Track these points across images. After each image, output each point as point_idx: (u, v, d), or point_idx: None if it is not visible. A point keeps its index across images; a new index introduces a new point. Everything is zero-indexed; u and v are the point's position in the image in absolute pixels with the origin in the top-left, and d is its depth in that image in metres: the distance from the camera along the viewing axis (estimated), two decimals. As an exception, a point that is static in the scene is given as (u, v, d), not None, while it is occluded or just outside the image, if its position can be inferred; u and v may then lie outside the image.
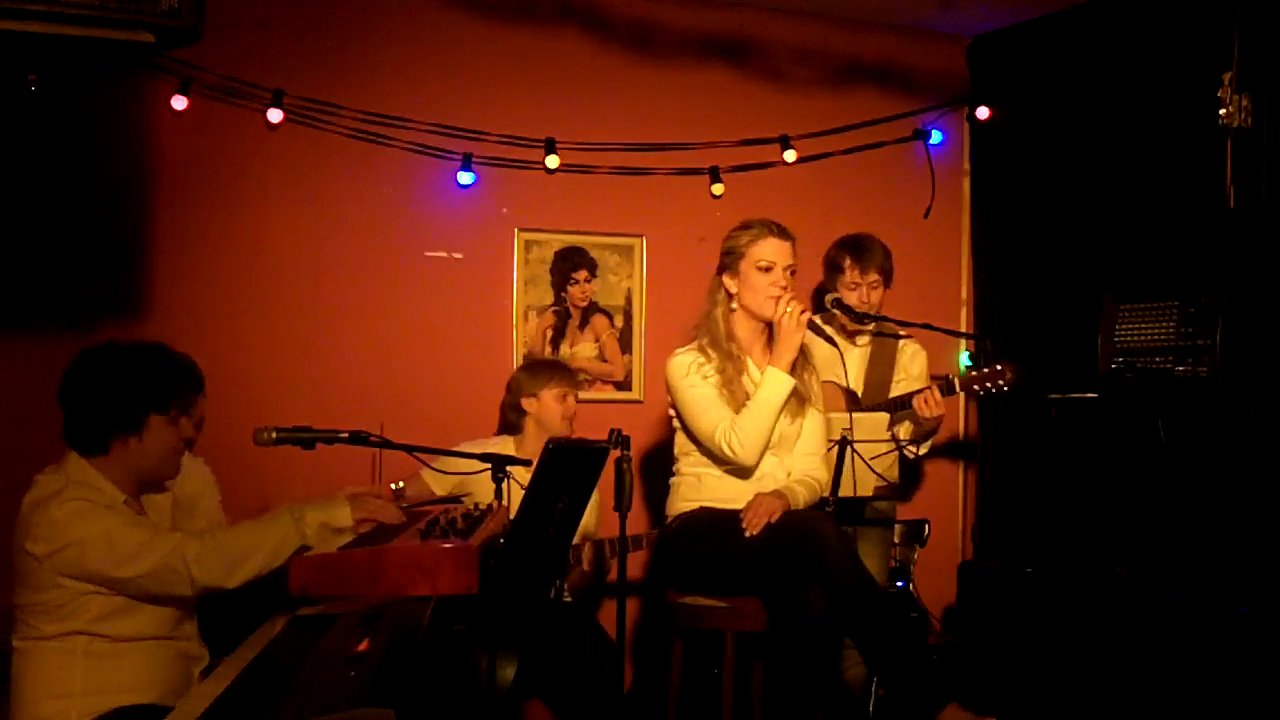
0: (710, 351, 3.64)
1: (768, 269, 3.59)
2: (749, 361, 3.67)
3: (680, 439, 3.73)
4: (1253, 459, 3.67)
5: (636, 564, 4.68)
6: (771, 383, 3.54)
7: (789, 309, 3.55)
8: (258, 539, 2.72)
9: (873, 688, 4.00)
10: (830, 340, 3.77)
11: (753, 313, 3.65)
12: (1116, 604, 3.68)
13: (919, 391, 4.00)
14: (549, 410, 4.15)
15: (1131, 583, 3.72)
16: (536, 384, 4.17)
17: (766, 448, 3.58)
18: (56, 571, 2.64)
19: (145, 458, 2.80)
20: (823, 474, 3.69)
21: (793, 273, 3.63)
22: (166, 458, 2.87)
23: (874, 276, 4.19)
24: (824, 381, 3.98)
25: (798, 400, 3.63)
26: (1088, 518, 4.18)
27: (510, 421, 4.29)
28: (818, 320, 4.01)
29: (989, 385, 4.01)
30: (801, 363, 3.65)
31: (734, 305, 3.67)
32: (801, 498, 3.57)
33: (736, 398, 3.58)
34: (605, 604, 4.47)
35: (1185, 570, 3.66)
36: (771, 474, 3.63)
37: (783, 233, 3.63)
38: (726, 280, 3.66)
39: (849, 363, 4.23)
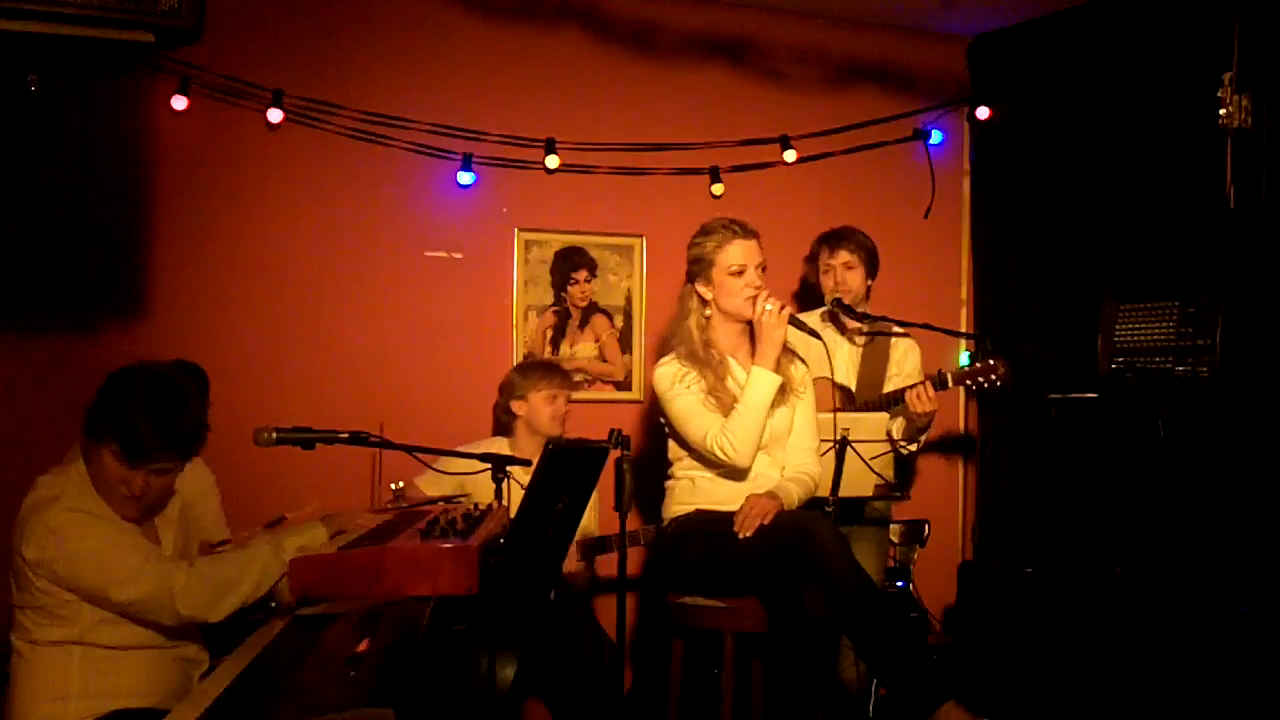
0: (689, 360, 3.63)
1: (740, 272, 3.58)
2: (732, 364, 3.66)
3: (673, 445, 3.73)
4: (1253, 459, 3.67)
5: (634, 561, 4.67)
6: (758, 382, 3.53)
7: (769, 306, 3.55)
8: (240, 571, 2.71)
9: (872, 688, 4.00)
10: (814, 334, 3.76)
11: (732, 316, 3.64)
12: (1116, 604, 3.68)
13: (912, 386, 4.00)
14: (538, 412, 4.14)
15: (1131, 583, 3.72)
16: (525, 386, 4.16)
17: (759, 447, 3.58)
18: (45, 579, 2.63)
19: (97, 471, 2.74)
20: (815, 468, 3.69)
21: (763, 269, 3.62)
22: (109, 486, 2.73)
23: (846, 256, 4.19)
24: (817, 379, 3.98)
25: (781, 391, 3.62)
26: (1087, 518, 4.18)
27: (502, 423, 4.30)
28: (800, 316, 4.00)
29: (981, 380, 4.02)
30: (784, 354, 3.65)
31: (708, 312, 3.66)
32: (795, 495, 3.56)
33: (723, 403, 3.57)
34: (605, 604, 4.47)
35: (1185, 570, 3.66)
36: (765, 473, 3.62)
37: (747, 232, 3.62)
38: (700, 288, 3.65)
39: (844, 360, 4.23)
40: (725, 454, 3.53)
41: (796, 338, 3.78)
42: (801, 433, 3.69)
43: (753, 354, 3.64)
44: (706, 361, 3.61)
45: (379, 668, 2.24)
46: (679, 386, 3.60)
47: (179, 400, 2.75)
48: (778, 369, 3.56)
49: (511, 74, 4.66)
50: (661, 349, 3.80)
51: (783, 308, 3.55)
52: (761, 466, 3.62)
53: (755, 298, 3.57)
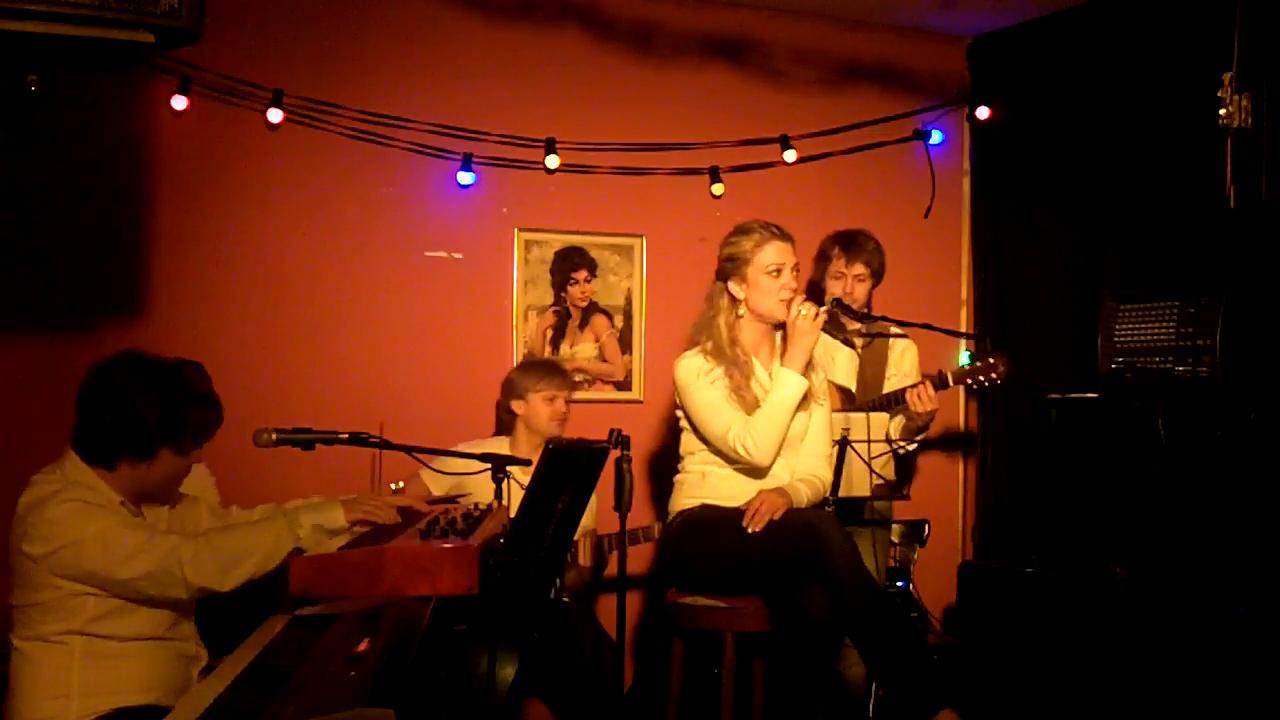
0: (715, 356, 3.63)
1: (777, 272, 3.59)
2: (756, 365, 3.67)
3: (687, 439, 3.73)
4: (1253, 459, 3.67)
5: (638, 560, 4.66)
6: (786, 384, 3.55)
7: (804, 311, 3.56)
8: (252, 542, 2.71)
9: (872, 688, 4.00)
10: (848, 343, 3.79)
11: (764, 317, 3.65)
12: (1116, 604, 3.68)
13: (912, 386, 4.00)
14: (537, 413, 4.14)
15: (1131, 583, 3.72)
16: (525, 386, 4.16)
17: (781, 448, 3.58)
18: (52, 572, 2.63)
19: (148, 483, 2.78)
20: (826, 473, 3.69)
21: (797, 270, 3.65)
22: (168, 486, 2.86)
23: (860, 269, 4.20)
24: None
25: (803, 397, 3.63)
26: (1088, 518, 4.18)
27: (504, 422, 4.30)
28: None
29: (982, 379, 4.02)
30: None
31: (741, 311, 3.66)
32: (804, 496, 3.57)
33: (746, 402, 3.58)
34: (605, 603, 4.47)
35: (1185, 570, 3.65)
36: (776, 473, 3.63)
37: (784, 235, 3.64)
38: (733, 286, 3.65)
39: (844, 362, 4.24)
40: (747, 451, 3.53)
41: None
42: (815, 437, 3.71)
43: (776, 355, 3.67)
44: (734, 360, 3.62)
45: (379, 668, 2.25)
46: (703, 380, 3.60)
47: (184, 370, 2.84)
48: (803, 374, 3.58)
49: (511, 74, 4.66)
50: (687, 344, 3.80)
51: (818, 314, 3.57)
52: (774, 467, 3.62)
53: (790, 300, 3.58)
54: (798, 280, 3.64)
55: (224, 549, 2.69)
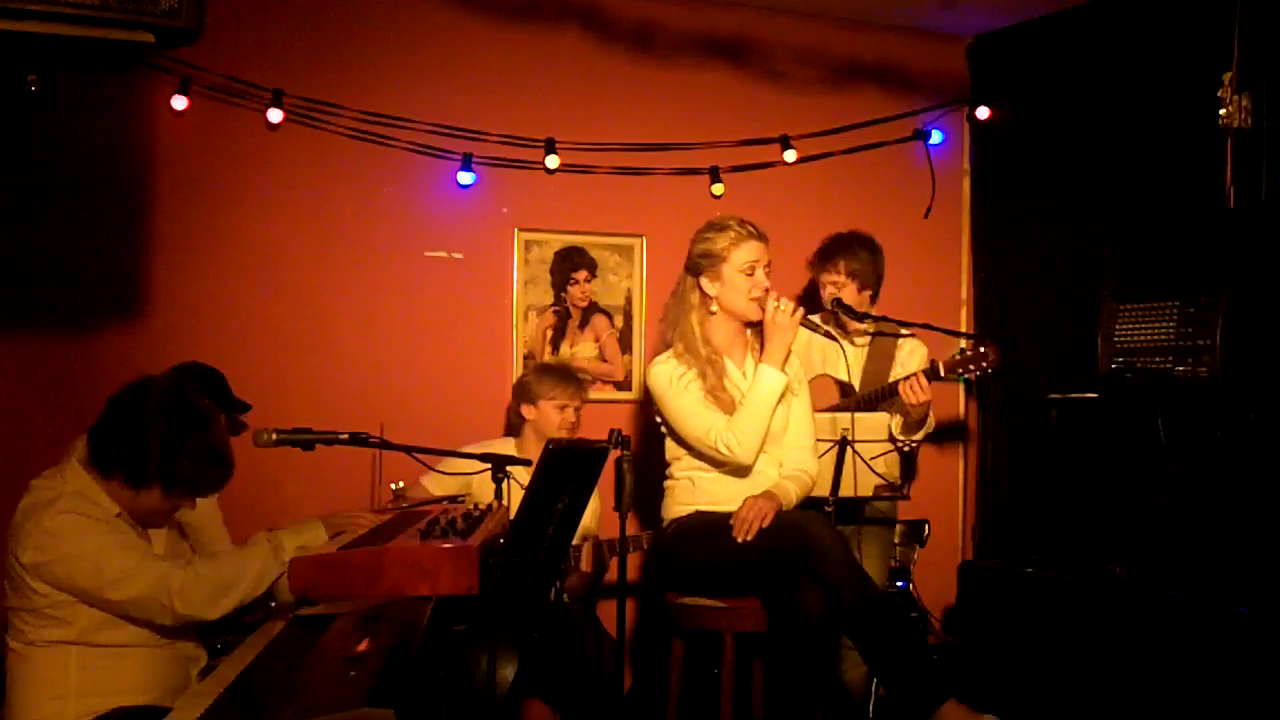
0: (687, 358, 3.62)
1: (751, 271, 3.58)
2: (729, 364, 3.66)
3: (671, 445, 3.72)
4: (1253, 459, 3.67)
5: (637, 564, 4.67)
6: (765, 380, 3.53)
7: (782, 307, 3.54)
8: (239, 570, 2.72)
9: (872, 688, 4.00)
10: (829, 335, 3.77)
11: (738, 315, 3.63)
12: (1116, 604, 3.68)
13: (905, 378, 3.98)
14: (547, 420, 4.13)
15: (1131, 583, 3.72)
16: (539, 392, 4.14)
17: (763, 445, 3.57)
18: (42, 581, 2.63)
19: (136, 506, 2.76)
20: (812, 466, 3.68)
21: (769, 269, 3.62)
22: (150, 517, 2.82)
23: (835, 276, 4.17)
24: (820, 376, 3.97)
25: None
26: (1088, 518, 4.18)
27: (513, 424, 4.30)
28: (813, 318, 4.01)
29: (973, 367, 4.00)
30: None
31: (714, 308, 3.65)
32: (793, 493, 3.56)
33: (723, 403, 3.56)
34: (605, 604, 4.47)
35: (1185, 570, 3.66)
36: (764, 470, 3.62)
37: (760, 234, 3.62)
38: (705, 283, 3.63)
39: (847, 359, 4.24)
40: (730, 450, 3.52)
41: (806, 336, 3.78)
42: (798, 430, 3.69)
43: (748, 353, 3.65)
44: (707, 360, 3.60)
45: (379, 668, 2.24)
46: (677, 386, 3.59)
47: (212, 424, 2.80)
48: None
49: (511, 74, 4.66)
50: (658, 342, 3.79)
51: (795, 310, 3.56)
52: (760, 464, 3.61)
53: (763, 300, 3.57)
54: (770, 278, 3.61)
55: (212, 578, 2.69)
